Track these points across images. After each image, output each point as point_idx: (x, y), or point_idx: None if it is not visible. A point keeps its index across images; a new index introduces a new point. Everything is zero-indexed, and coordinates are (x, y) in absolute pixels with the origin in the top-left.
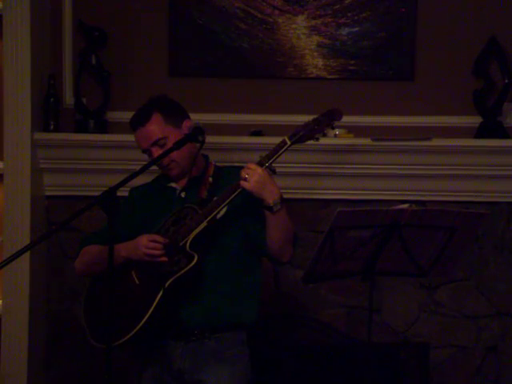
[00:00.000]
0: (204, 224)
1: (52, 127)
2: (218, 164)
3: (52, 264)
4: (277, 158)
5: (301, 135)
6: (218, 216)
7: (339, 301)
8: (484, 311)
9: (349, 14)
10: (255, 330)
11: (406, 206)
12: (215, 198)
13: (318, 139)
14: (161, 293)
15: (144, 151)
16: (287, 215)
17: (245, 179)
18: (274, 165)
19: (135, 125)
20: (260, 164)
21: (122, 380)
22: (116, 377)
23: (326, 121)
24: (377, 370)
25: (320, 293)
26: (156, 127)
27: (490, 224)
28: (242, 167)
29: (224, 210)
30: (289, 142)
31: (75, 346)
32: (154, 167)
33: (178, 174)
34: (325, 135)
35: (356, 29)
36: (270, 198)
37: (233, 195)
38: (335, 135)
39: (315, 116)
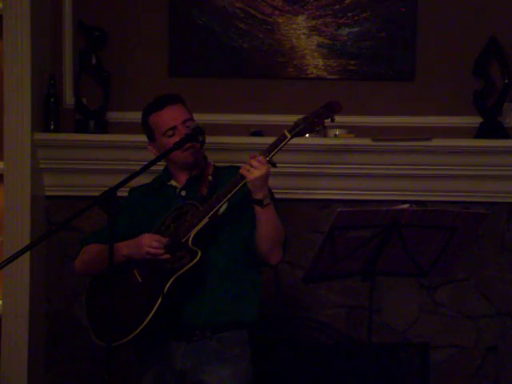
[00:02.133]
0: (206, 220)
1: (52, 127)
2: (217, 164)
3: (52, 264)
4: (277, 151)
5: (301, 128)
6: (219, 213)
7: (339, 301)
8: (484, 311)
9: (349, 14)
10: (256, 330)
11: (406, 206)
12: (216, 195)
13: (317, 132)
14: (163, 292)
15: (168, 130)
16: (277, 214)
17: (251, 166)
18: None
19: (163, 103)
20: None
21: (122, 380)
22: (116, 377)
23: (326, 113)
24: (377, 370)
25: (320, 293)
26: (184, 108)
27: (490, 224)
28: (240, 167)
29: (225, 206)
30: (289, 136)
31: (75, 346)
32: (154, 167)
33: (194, 160)
34: (324, 128)
35: (356, 29)
36: (261, 192)
37: (234, 190)
38: (335, 135)
39: (315, 109)
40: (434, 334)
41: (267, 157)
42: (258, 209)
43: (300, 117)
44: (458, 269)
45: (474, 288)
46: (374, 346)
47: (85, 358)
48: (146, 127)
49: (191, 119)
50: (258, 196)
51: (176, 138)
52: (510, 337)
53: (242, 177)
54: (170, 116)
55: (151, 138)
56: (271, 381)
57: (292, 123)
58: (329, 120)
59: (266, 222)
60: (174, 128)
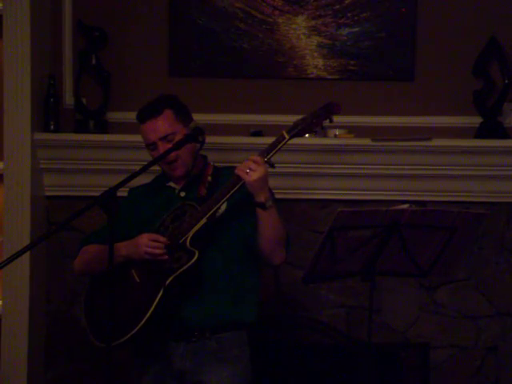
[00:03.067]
0: (204, 220)
1: (52, 127)
2: (217, 164)
3: (52, 264)
4: (276, 152)
5: (299, 129)
6: (218, 214)
7: (339, 301)
8: (484, 311)
9: (349, 14)
10: (255, 330)
11: (406, 206)
12: (214, 196)
13: (316, 133)
14: (161, 292)
15: (149, 145)
16: (278, 215)
17: (249, 169)
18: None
19: (145, 116)
20: None
21: (122, 380)
22: (116, 377)
23: (325, 114)
24: (377, 370)
25: (320, 293)
26: (167, 122)
27: (490, 224)
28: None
29: (223, 207)
30: (287, 137)
31: (75, 346)
32: (154, 167)
33: (181, 174)
34: (323, 129)
35: (356, 29)
36: (263, 194)
37: (232, 191)
38: (335, 135)
39: (313, 110)
40: (433, 334)
41: (266, 157)
42: (260, 211)
43: (299, 117)
44: (458, 269)
45: (474, 288)
46: (374, 346)
47: (85, 358)
48: None
49: (175, 133)
50: (260, 199)
51: (156, 153)
52: (510, 337)
53: (239, 177)
54: (150, 132)
55: None
56: (271, 381)
57: (291, 124)
58: (327, 121)
59: (268, 225)
60: (153, 144)
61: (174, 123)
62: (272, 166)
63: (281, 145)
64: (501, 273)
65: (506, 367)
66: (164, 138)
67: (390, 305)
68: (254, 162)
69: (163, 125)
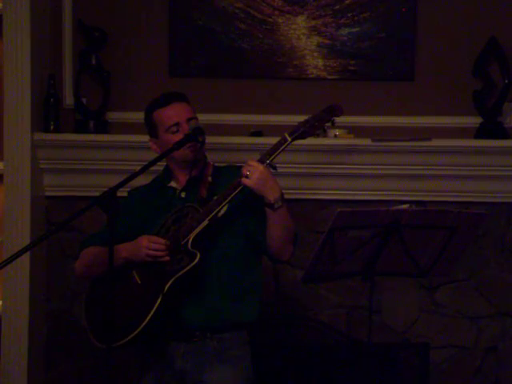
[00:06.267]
0: (205, 222)
1: (52, 127)
2: (216, 164)
3: (52, 264)
4: (277, 155)
5: (301, 132)
6: (219, 214)
7: (339, 301)
8: (484, 311)
9: (349, 15)
10: (256, 330)
11: (406, 206)
12: (216, 197)
13: (318, 135)
14: (162, 294)
15: (171, 126)
16: (288, 213)
17: (246, 176)
18: (274, 162)
19: (170, 99)
20: (261, 161)
21: (122, 380)
22: (116, 377)
23: (327, 117)
24: (377, 370)
25: (320, 293)
26: (190, 107)
27: (490, 224)
28: (240, 166)
29: (225, 208)
30: (289, 139)
31: (75, 346)
32: (154, 167)
33: (194, 157)
34: (325, 131)
35: (356, 29)
36: (271, 195)
37: (234, 193)
38: (335, 135)
39: (315, 112)
40: (434, 334)
41: (267, 160)
42: (269, 211)
43: (301, 119)
44: (458, 269)
45: (473, 288)
46: (374, 346)
47: (85, 357)
48: (149, 122)
49: (195, 118)
50: (269, 199)
51: (180, 135)
52: (509, 337)
53: (240, 182)
54: (175, 112)
55: (153, 134)
56: (271, 381)
57: (292, 126)
58: (329, 123)
59: (278, 224)
60: (178, 124)
61: (193, 111)
62: (274, 168)
63: (282, 147)
64: (501, 273)
65: (506, 367)
66: (190, 119)
67: (390, 305)
68: (250, 166)
69: (188, 108)
